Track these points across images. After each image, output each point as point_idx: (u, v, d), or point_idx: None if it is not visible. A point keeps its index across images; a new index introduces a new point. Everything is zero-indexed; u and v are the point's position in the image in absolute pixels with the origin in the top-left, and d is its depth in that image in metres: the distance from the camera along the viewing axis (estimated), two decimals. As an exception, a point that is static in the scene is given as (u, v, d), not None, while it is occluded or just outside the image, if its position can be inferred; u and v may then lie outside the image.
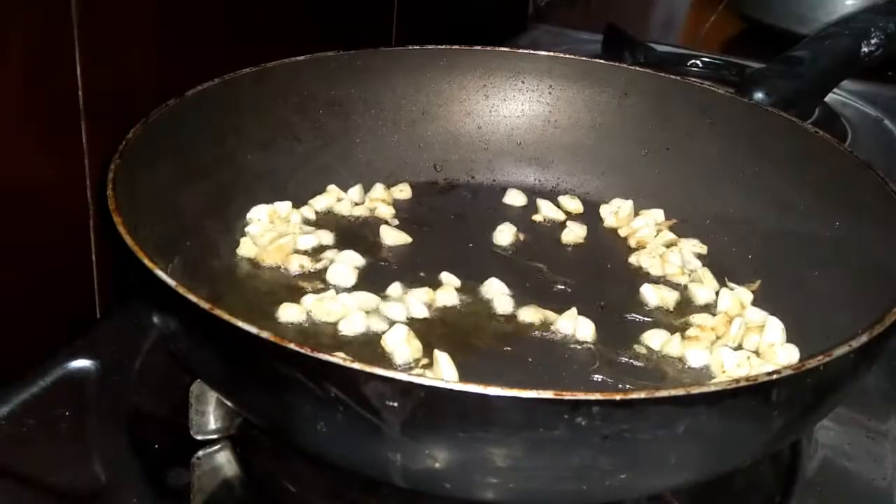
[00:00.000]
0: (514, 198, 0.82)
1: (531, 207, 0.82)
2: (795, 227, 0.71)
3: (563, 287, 0.71)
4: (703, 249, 0.76)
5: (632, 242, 0.77)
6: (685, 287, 0.72)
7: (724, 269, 0.73)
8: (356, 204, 0.79)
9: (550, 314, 0.67)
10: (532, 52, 0.85)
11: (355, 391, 0.44)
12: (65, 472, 0.58)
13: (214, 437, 0.60)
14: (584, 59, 0.85)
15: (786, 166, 0.74)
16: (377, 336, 0.64)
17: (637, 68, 0.86)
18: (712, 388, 0.45)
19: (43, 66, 0.62)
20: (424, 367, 0.62)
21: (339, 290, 0.69)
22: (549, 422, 0.44)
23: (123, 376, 0.65)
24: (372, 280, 0.70)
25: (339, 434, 0.48)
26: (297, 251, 0.72)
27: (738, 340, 0.66)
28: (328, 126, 0.80)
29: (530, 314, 0.67)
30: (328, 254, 0.73)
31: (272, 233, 0.73)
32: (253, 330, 0.46)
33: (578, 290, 0.71)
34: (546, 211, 0.81)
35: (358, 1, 0.96)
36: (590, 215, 0.81)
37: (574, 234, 0.78)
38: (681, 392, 0.44)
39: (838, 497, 0.61)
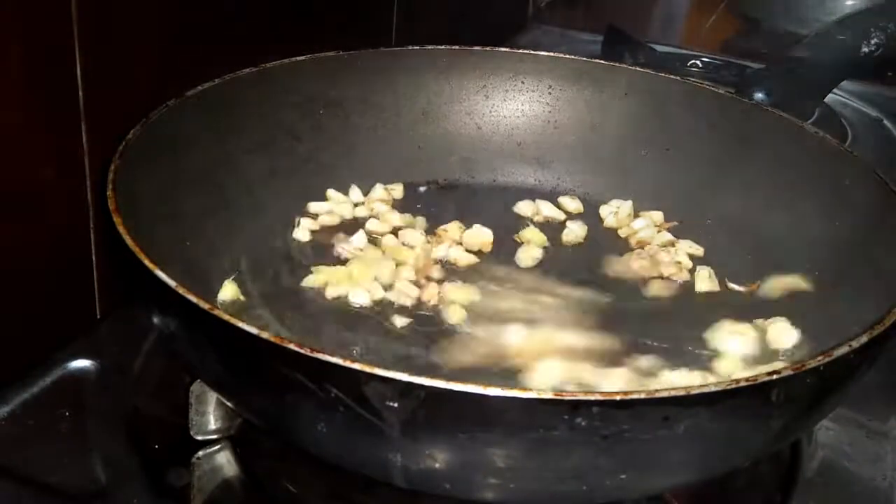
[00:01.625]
0: (524, 208, 0.81)
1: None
2: (796, 226, 0.71)
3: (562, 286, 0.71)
4: (700, 251, 0.76)
5: (632, 242, 0.77)
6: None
7: (724, 268, 0.73)
8: (356, 205, 0.79)
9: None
10: (532, 52, 0.85)
11: (355, 391, 0.44)
12: (65, 472, 0.58)
13: (214, 437, 0.60)
14: (583, 59, 0.85)
15: (786, 166, 0.74)
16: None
17: (637, 68, 0.86)
18: (712, 389, 0.45)
19: (43, 67, 0.62)
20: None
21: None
22: (548, 422, 0.44)
23: (123, 376, 0.65)
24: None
25: (339, 434, 0.48)
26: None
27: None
28: (328, 126, 0.80)
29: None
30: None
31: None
32: (253, 330, 0.46)
33: (578, 290, 0.71)
34: (546, 211, 0.81)
35: (358, 1, 0.96)
36: (590, 215, 0.81)
37: (574, 234, 0.78)
38: (681, 392, 0.44)
39: (838, 497, 0.61)
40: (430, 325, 0.65)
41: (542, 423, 0.44)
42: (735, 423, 0.47)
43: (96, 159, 0.67)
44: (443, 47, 0.84)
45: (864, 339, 0.49)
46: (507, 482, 0.48)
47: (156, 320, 0.54)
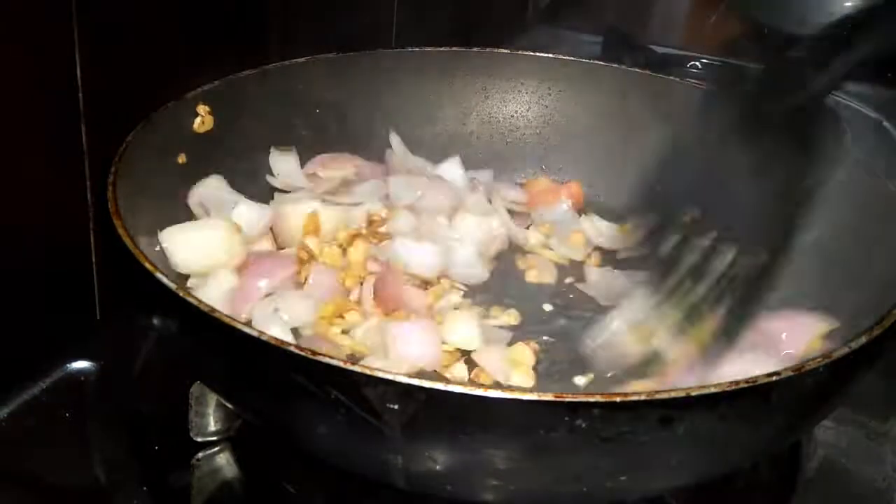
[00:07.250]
0: None
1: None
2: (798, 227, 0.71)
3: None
4: None
5: None
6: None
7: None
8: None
9: None
10: (532, 53, 0.85)
11: (356, 394, 0.44)
12: (65, 472, 0.58)
13: (214, 438, 0.60)
14: (583, 60, 0.85)
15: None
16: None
17: (636, 69, 0.86)
18: (712, 390, 0.45)
19: (43, 67, 0.62)
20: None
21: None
22: (549, 424, 0.44)
23: (123, 378, 0.65)
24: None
25: (340, 436, 0.48)
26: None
27: None
28: (328, 127, 0.80)
29: None
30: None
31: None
32: (254, 332, 0.46)
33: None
34: None
35: (358, 1, 0.96)
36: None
37: None
38: (681, 394, 0.44)
39: (838, 497, 0.61)
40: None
41: (542, 425, 0.44)
42: (735, 424, 0.47)
43: (96, 159, 0.67)
44: (443, 49, 0.84)
45: (863, 340, 0.49)
46: (508, 484, 0.48)
47: (156, 322, 0.54)
